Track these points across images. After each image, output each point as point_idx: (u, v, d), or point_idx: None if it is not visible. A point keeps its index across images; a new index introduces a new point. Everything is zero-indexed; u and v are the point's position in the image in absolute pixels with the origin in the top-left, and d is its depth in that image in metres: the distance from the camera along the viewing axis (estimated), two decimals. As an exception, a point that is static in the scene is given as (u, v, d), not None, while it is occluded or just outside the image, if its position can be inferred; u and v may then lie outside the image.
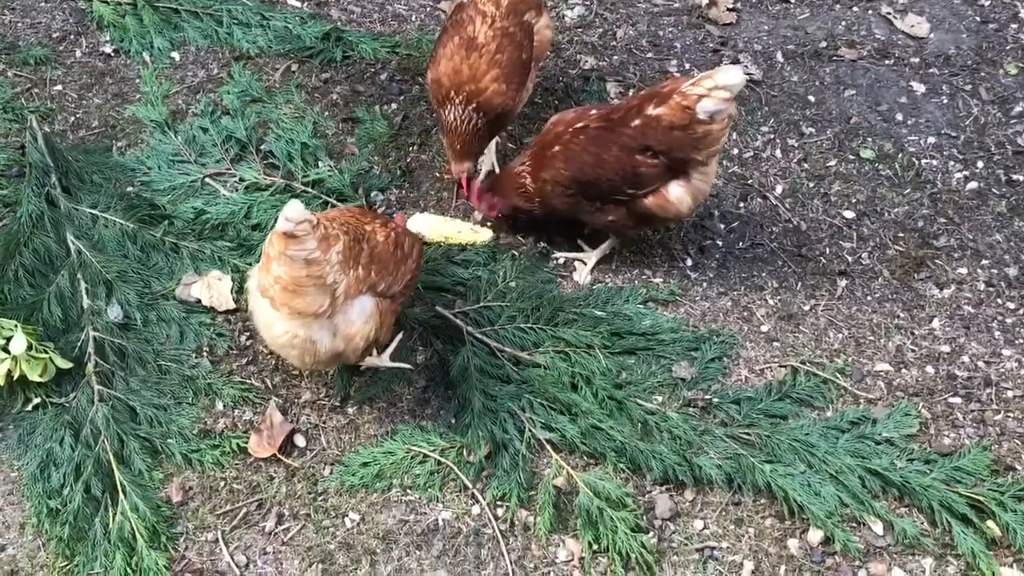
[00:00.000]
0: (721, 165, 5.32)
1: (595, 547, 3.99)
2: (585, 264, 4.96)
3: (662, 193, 4.53)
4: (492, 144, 5.09)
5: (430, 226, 4.98)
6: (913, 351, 4.69)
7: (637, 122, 4.39)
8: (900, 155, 5.45)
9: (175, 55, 5.73)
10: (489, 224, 4.98)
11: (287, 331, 3.94)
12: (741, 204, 5.29)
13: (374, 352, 4.36)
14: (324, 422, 4.39)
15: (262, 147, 5.35)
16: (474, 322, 4.71)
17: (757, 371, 4.67)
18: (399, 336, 4.56)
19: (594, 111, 4.58)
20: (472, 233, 4.97)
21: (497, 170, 5.03)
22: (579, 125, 4.57)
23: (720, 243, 5.16)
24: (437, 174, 5.27)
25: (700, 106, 4.27)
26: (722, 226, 5.23)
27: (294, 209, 3.60)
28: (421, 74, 5.54)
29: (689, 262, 5.13)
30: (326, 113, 5.57)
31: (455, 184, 5.05)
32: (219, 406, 4.43)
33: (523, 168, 4.67)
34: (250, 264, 4.76)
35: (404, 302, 4.29)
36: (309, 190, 5.12)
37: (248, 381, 4.51)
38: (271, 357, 4.57)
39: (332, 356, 4.04)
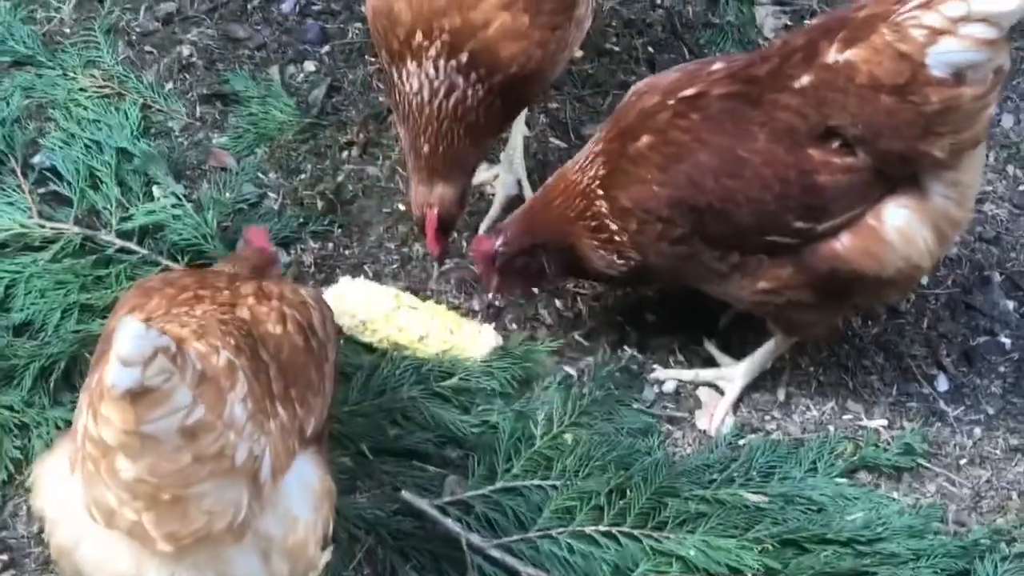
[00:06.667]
0: (999, 165, 4.48)
1: None
2: (724, 393, 3.93)
3: (869, 226, 3.48)
4: (517, 135, 4.23)
5: (379, 309, 3.89)
6: None
7: (806, 80, 3.44)
8: None
9: None
10: (499, 304, 3.97)
11: None
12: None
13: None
14: None
15: (34, 161, 4.38)
16: (485, 524, 3.62)
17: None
18: (324, 556, 3.40)
19: (719, 65, 3.62)
20: (466, 334, 3.89)
21: (528, 190, 4.18)
22: (688, 93, 3.57)
23: (1008, 339, 4.18)
24: (401, 206, 4.40)
25: (934, 52, 3.27)
26: (1010, 304, 4.26)
27: (130, 337, 2.51)
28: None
29: (942, 382, 4.09)
30: (169, 85, 4.63)
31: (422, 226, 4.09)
32: None
33: (591, 173, 3.64)
34: (19, 431, 3.63)
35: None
36: (133, 247, 4.14)
37: None
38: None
39: None
